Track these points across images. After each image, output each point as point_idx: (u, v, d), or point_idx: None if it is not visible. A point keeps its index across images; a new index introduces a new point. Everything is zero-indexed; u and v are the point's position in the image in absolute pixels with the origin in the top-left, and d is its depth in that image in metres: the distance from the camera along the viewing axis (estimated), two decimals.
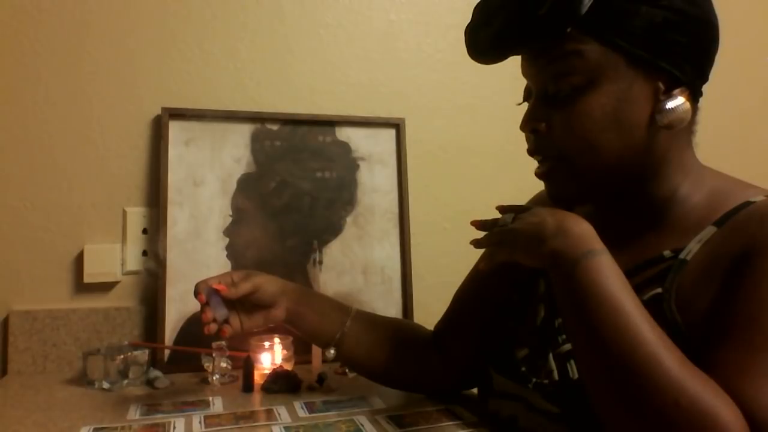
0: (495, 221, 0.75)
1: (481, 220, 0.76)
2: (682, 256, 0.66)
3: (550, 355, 0.72)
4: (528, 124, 0.71)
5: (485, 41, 0.70)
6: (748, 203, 0.66)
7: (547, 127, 0.69)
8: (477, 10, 0.72)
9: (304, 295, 0.92)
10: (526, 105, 0.73)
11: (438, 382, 0.93)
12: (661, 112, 0.66)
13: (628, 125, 0.66)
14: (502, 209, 0.76)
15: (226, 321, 0.85)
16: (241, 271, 0.89)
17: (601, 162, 0.68)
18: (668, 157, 0.70)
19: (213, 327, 0.83)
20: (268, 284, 0.88)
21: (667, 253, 0.67)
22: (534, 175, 0.73)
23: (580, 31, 0.64)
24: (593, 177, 0.69)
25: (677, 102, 0.66)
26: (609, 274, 0.61)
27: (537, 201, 0.87)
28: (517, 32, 0.67)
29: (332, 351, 0.90)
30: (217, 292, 0.84)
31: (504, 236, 0.70)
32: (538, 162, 0.73)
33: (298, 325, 0.91)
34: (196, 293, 0.84)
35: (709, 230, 0.66)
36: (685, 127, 0.69)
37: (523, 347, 0.77)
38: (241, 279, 0.86)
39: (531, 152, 0.73)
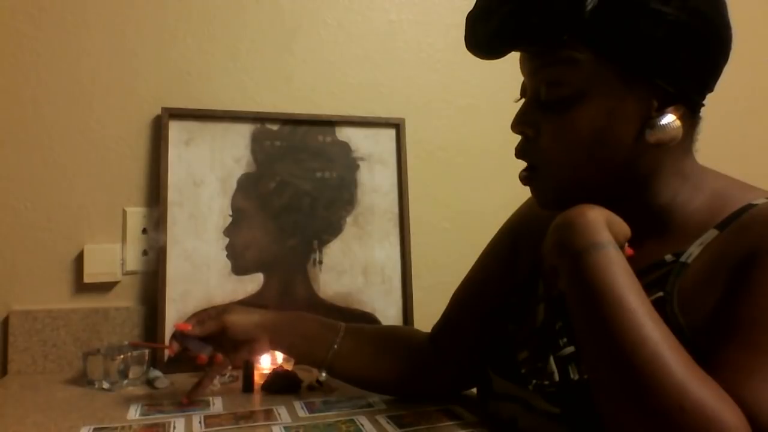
0: None
1: None
2: (682, 259, 0.66)
3: (551, 358, 0.72)
4: (517, 127, 0.71)
5: (482, 37, 0.69)
6: (750, 206, 0.66)
7: (535, 132, 0.69)
8: (479, 1, 0.70)
9: (287, 323, 0.91)
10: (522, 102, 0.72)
11: (436, 386, 0.93)
12: (651, 128, 0.64)
13: (615, 142, 0.66)
14: None
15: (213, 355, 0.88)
16: (218, 306, 0.90)
17: (579, 176, 0.68)
18: (660, 169, 0.68)
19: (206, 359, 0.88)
20: (240, 320, 0.88)
21: (668, 257, 0.67)
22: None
23: (578, 40, 0.63)
24: (572, 188, 0.69)
25: (668, 119, 0.64)
26: (614, 269, 0.59)
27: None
28: (513, 33, 0.66)
29: (323, 374, 0.90)
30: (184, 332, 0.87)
31: None
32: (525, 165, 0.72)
33: (288, 352, 0.94)
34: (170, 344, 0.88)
35: (711, 233, 0.66)
36: (682, 138, 0.66)
37: (523, 350, 0.76)
38: (215, 316, 0.88)
39: (517, 154, 0.72)
